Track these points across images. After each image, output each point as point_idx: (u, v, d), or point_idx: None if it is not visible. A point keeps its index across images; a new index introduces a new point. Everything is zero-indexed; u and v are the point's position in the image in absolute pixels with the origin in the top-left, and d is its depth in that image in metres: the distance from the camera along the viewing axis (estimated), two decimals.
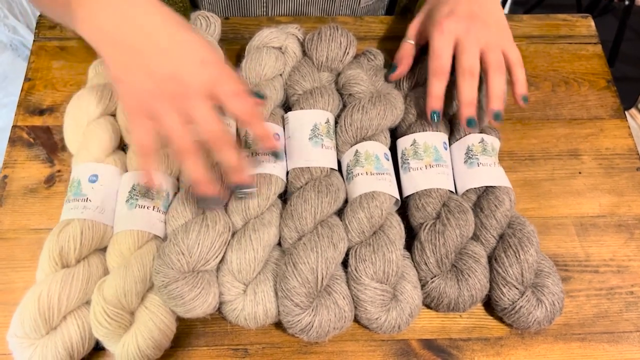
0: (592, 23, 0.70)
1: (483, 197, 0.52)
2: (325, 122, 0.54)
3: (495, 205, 0.50)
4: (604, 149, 0.60)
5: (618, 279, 0.52)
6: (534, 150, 0.60)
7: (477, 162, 0.52)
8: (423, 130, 0.54)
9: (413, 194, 0.52)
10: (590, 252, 0.54)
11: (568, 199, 0.57)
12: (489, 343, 0.49)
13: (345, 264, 0.49)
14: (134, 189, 0.49)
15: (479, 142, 0.53)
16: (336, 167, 0.53)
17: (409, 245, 0.51)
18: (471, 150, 0.53)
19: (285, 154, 0.53)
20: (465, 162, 0.53)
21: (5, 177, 0.55)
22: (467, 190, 0.53)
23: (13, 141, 0.57)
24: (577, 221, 0.55)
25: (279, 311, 0.46)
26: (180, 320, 0.47)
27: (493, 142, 0.54)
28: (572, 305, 0.51)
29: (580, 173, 0.58)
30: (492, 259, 0.49)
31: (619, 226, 0.55)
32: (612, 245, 0.54)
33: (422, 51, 0.58)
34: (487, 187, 0.52)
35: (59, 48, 0.63)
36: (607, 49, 1.12)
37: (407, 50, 0.57)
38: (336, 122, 0.55)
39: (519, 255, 0.47)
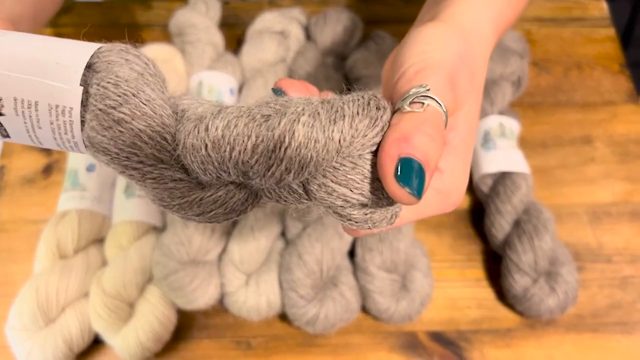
0: (605, 5, 0.67)
1: (499, 182, 0.50)
2: None
3: (512, 191, 0.49)
4: (618, 134, 0.58)
5: (631, 269, 0.51)
6: (546, 136, 0.58)
7: (495, 146, 0.51)
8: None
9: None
10: (603, 241, 0.52)
11: (580, 186, 0.55)
12: (499, 334, 0.47)
13: (351, 254, 0.47)
14: None
15: (498, 126, 0.52)
16: None
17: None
18: (489, 134, 0.52)
19: None
20: (483, 145, 0.52)
21: (2, 167, 0.54)
22: (483, 175, 0.51)
23: None
24: (590, 209, 0.54)
25: (282, 303, 0.45)
26: (181, 312, 0.46)
27: (512, 125, 0.53)
28: (584, 295, 0.49)
29: (593, 160, 0.57)
30: (505, 245, 0.48)
31: (633, 214, 0.54)
32: (626, 234, 0.53)
33: None
34: (503, 172, 0.51)
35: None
36: (621, 33, 1.09)
37: None
38: None
39: (534, 242, 0.46)
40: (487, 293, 0.49)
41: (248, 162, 0.22)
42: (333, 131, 0.22)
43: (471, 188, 0.54)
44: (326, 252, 0.43)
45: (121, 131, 0.22)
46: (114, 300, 0.43)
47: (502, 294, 0.48)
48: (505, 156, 0.51)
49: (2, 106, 0.23)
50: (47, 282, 0.43)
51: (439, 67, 0.26)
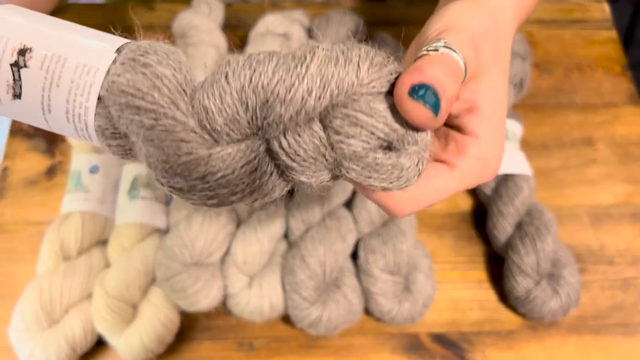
0: (606, 7, 0.68)
1: (502, 183, 0.50)
2: None
3: (514, 193, 0.49)
4: (619, 136, 0.58)
5: (633, 270, 0.51)
6: (547, 138, 0.58)
7: None
8: None
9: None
10: (604, 243, 0.52)
11: (582, 188, 0.55)
12: (501, 336, 0.48)
13: (353, 256, 0.47)
14: (136, 180, 0.48)
15: None
16: None
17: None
18: None
19: None
20: None
21: (5, 168, 0.54)
22: None
23: (13, 132, 0.56)
24: (591, 211, 0.54)
25: (285, 305, 0.45)
26: (184, 314, 0.46)
27: (515, 128, 0.53)
28: (586, 297, 0.49)
29: (594, 161, 0.57)
30: (508, 246, 0.48)
31: (634, 216, 0.54)
32: (627, 236, 0.53)
33: None
34: (506, 174, 0.51)
35: None
36: (622, 34, 1.10)
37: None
38: None
39: (536, 244, 0.46)
40: (489, 295, 0.49)
41: (268, 85, 0.21)
42: (352, 57, 0.22)
43: (473, 190, 0.54)
44: (329, 254, 0.44)
45: (144, 73, 0.22)
46: (116, 301, 0.43)
47: (504, 296, 0.48)
48: (507, 158, 0.51)
49: (30, 58, 0.23)
50: (50, 283, 0.43)
51: (462, 29, 0.26)
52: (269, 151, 0.24)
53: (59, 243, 0.45)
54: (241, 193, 0.24)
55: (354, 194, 0.50)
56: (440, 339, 0.47)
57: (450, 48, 0.24)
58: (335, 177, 0.24)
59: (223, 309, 0.46)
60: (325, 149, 0.23)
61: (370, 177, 0.23)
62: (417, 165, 0.24)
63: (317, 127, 0.22)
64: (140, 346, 0.42)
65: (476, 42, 0.27)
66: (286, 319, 0.46)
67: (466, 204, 0.54)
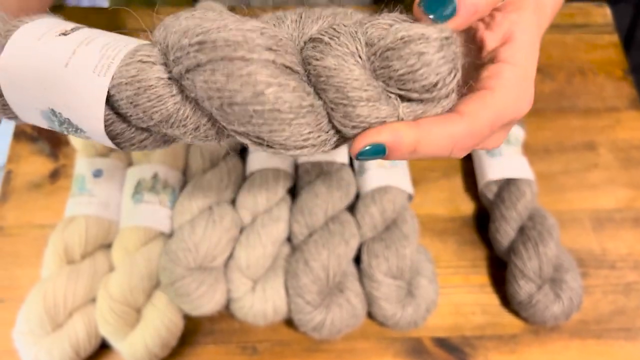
0: (608, 12, 0.68)
1: (504, 188, 0.51)
2: None
3: (516, 197, 0.49)
4: (621, 140, 0.59)
5: (635, 275, 0.51)
6: (549, 142, 0.58)
7: (500, 152, 0.51)
8: None
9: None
10: (606, 247, 0.52)
11: (583, 192, 0.55)
12: (503, 340, 0.48)
13: (357, 260, 0.48)
14: (140, 184, 0.48)
15: None
16: (347, 162, 0.52)
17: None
18: None
19: None
20: (488, 152, 0.52)
21: (9, 172, 0.54)
22: (488, 181, 0.52)
23: (16, 135, 0.56)
24: (593, 215, 0.54)
25: (288, 308, 0.45)
26: (187, 317, 0.46)
27: (517, 132, 0.53)
28: (588, 302, 0.49)
29: (596, 166, 0.57)
30: (510, 251, 0.48)
31: (636, 220, 0.54)
32: (629, 240, 0.53)
33: None
34: (508, 178, 0.51)
35: None
36: (622, 36, 1.10)
37: None
38: None
39: (538, 249, 0.46)
40: (491, 299, 0.50)
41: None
42: None
43: (476, 194, 0.54)
44: (332, 259, 0.44)
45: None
46: (120, 305, 0.43)
47: (507, 300, 0.49)
48: (510, 163, 0.51)
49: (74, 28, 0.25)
50: (54, 287, 0.43)
51: None
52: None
53: (63, 247, 0.45)
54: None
55: (357, 198, 0.50)
56: (443, 343, 0.47)
57: None
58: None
59: (227, 312, 0.47)
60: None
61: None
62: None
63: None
64: (144, 350, 0.42)
65: None
66: (289, 322, 0.46)
67: (469, 208, 0.54)
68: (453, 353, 0.47)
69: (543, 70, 0.63)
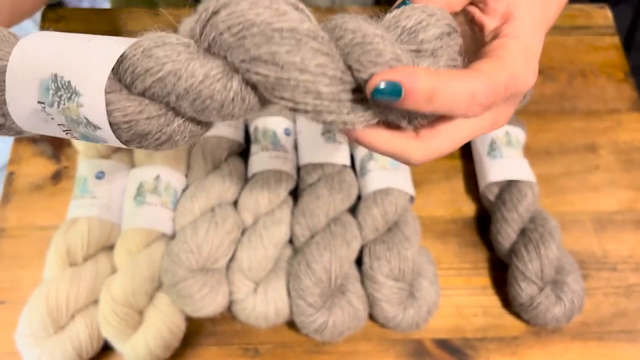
0: (609, 14, 0.68)
1: (506, 190, 0.51)
2: None
3: (518, 199, 0.49)
4: (622, 142, 0.59)
5: (636, 277, 0.51)
6: (550, 144, 0.58)
7: (501, 154, 0.51)
8: None
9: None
10: (607, 249, 0.52)
11: (585, 194, 0.55)
12: (504, 342, 0.48)
13: (358, 262, 0.48)
14: (142, 186, 0.48)
15: (504, 134, 0.52)
16: (349, 164, 0.52)
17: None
18: (495, 142, 0.52)
19: (297, 149, 0.52)
20: (489, 153, 0.52)
21: (11, 173, 0.54)
22: (489, 183, 0.52)
23: (18, 137, 0.56)
24: (594, 217, 0.54)
25: (290, 310, 0.45)
26: (189, 319, 0.46)
27: (518, 134, 0.53)
28: (589, 304, 0.49)
29: (597, 168, 0.57)
30: (511, 253, 0.48)
31: (638, 222, 0.54)
32: (630, 242, 0.53)
33: None
34: (510, 180, 0.51)
35: None
36: (622, 37, 1.10)
37: None
38: None
39: (540, 251, 0.46)
40: (493, 301, 0.50)
41: None
42: None
43: (477, 196, 0.54)
44: (334, 261, 0.44)
45: None
46: (123, 307, 0.43)
47: (508, 302, 0.49)
48: (511, 164, 0.51)
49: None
50: (56, 289, 0.43)
51: None
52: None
53: (65, 249, 0.45)
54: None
55: (358, 199, 0.50)
56: (445, 345, 0.47)
57: None
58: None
59: (229, 314, 0.47)
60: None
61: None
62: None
63: None
64: (147, 352, 0.42)
65: None
66: (291, 324, 0.46)
67: (470, 210, 0.54)
68: (454, 355, 0.47)
69: (544, 72, 0.63)
